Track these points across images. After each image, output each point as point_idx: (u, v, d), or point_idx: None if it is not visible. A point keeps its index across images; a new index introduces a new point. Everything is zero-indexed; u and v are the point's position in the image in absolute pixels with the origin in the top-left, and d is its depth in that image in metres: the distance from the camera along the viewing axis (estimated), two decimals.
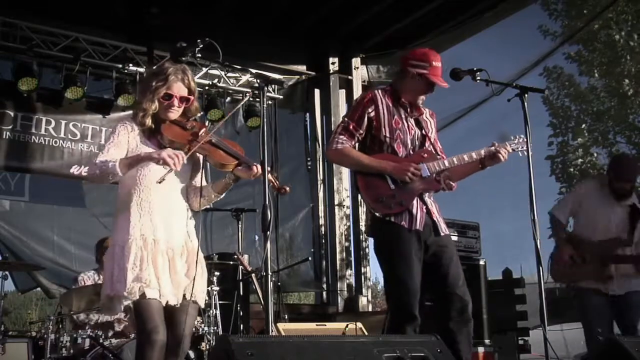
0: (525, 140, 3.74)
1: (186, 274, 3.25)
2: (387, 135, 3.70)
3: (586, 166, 11.69)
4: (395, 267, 3.59)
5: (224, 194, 3.46)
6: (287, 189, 3.32)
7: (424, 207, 3.69)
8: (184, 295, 3.24)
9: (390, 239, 3.62)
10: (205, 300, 5.01)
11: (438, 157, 3.76)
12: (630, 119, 12.04)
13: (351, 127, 3.72)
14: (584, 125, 12.12)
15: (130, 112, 7.39)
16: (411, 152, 3.73)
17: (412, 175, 3.60)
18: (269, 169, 3.18)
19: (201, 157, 3.42)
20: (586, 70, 11.60)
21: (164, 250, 3.21)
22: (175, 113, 3.34)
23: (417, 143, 3.78)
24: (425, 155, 3.74)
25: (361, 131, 3.72)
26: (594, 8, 9.91)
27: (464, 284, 3.65)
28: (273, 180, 3.30)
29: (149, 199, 3.23)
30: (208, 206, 3.52)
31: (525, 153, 3.71)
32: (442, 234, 3.71)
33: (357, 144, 3.80)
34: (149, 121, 3.30)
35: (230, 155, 3.36)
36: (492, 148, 3.74)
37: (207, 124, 3.27)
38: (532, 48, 8.55)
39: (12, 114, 7.21)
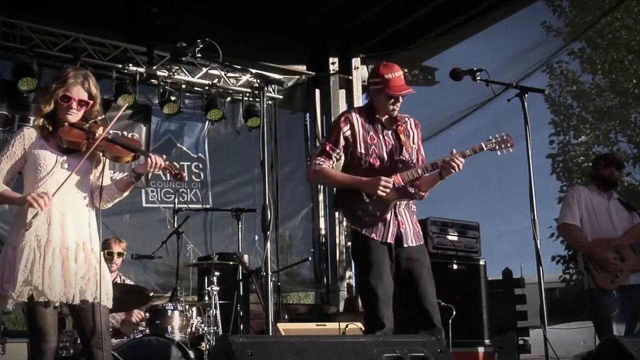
0: (505, 137, 3.78)
1: (84, 275, 3.24)
2: (363, 151, 3.84)
3: (587, 165, 11.66)
4: (367, 277, 3.71)
5: (127, 192, 3.49)
6: (184, 174, 3.39)
7: (396, 219, 3.79)
8: (87, 296, 3.22)
9: (362, 250, 3.77)
10: (205, 300, 5.07)
11: (413, 166, 3.86)
12: (632, 118, 12.01)
13: (328, 148, 3.88)
14: (582, 125, 12.10)
15: (129, 111, 7.52)
16: (387, 164, 3.85)
17: (383, 189, 3.68)
18: (164, 156, 3.34)
19: (101, 155, 3.44)
20: (590, 68, 11.56)
21: (58, 249, 3.22)
22: (74, 116, 3.39)
23: (395, 155, 3.88)
24: (400, 165, 3.85)
25: (338, 150, 3.88)
26: (599, 5, 9.86)
27: (433, 297, 3.76)
28: (170, 168, 3.38)
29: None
30: (111, 205, 3.52)
31: (509, 150, 3.77)
32: (405, 245, 3.79)
33: (338, 163, 3.96)
34: (41, 121, 3.36)
35: (126, 148, 3.42)
36: (447, 157, 3.76)
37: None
38: (536, 46, 8.52)
39: (9, 115, 7.19)
